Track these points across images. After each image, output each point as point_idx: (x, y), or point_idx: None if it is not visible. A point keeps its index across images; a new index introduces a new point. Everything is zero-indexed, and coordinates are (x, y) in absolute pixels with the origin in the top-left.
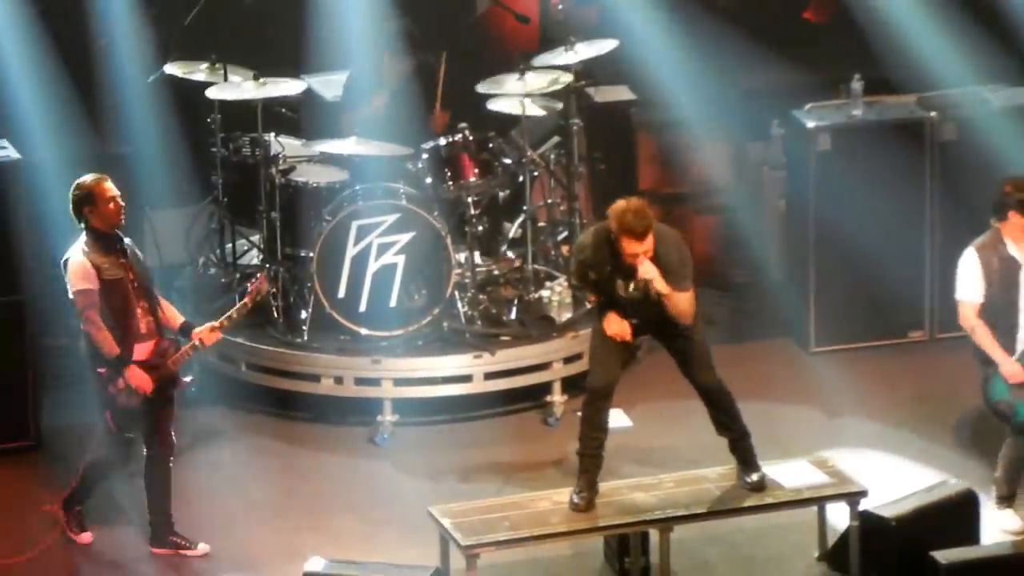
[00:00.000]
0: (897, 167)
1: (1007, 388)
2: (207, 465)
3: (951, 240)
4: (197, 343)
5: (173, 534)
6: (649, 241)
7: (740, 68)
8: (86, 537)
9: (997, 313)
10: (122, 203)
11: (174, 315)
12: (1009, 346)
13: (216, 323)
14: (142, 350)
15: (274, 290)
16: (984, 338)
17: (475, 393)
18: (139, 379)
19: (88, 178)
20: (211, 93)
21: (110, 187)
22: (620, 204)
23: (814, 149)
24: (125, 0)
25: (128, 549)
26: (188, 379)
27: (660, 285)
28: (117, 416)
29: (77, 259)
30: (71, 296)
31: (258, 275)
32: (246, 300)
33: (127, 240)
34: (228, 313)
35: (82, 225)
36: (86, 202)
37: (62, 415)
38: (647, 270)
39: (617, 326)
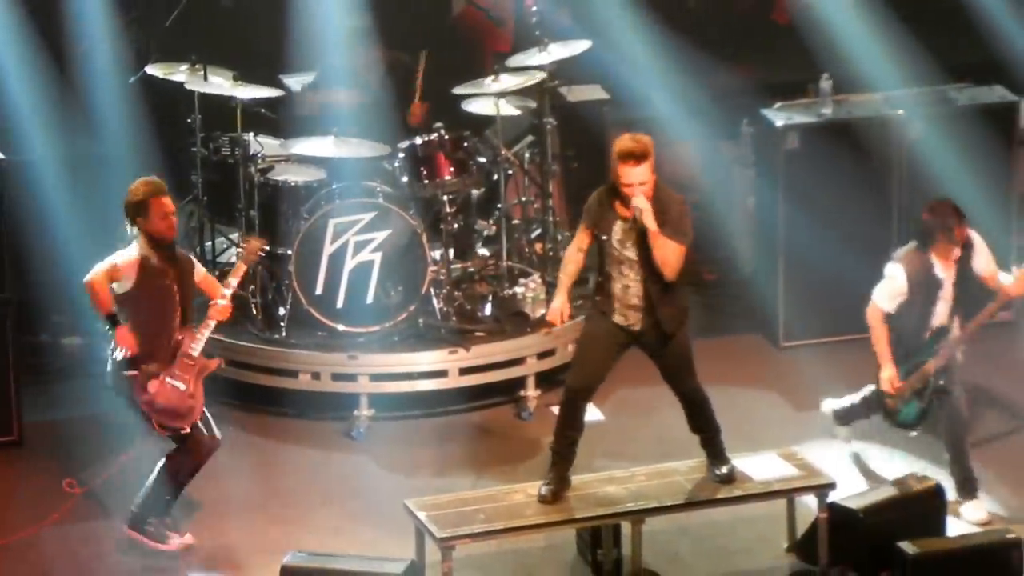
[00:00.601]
0: (865, 165)
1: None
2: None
3: None
4: (212, 322)
5: (157, 525)
6: (646, 171)
7: (710, 68)
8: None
9: (907, 324)
10: (175, 219)
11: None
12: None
13: (222, 295)
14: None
15: (267, 248)
16: (880, 340)
17: (450, 388)
18: (128, 340)
19: (144, 188)
20: (190, 86)
21: (167, 202)
22: (617, 142)
23: (783, 147)
24: (104, 3)
25: (105, 541)
26: (217, 360)
27: (649, 220)
28: (156, 418)
29: (122, 256)
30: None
31: (248, 240)
32: (239, 262)
33: (179, 249)
34: (227, 281)
35: (134, 228)
36: (138, 212)
37: (45, 411)
38: (641, 201)
39: (558, 309)
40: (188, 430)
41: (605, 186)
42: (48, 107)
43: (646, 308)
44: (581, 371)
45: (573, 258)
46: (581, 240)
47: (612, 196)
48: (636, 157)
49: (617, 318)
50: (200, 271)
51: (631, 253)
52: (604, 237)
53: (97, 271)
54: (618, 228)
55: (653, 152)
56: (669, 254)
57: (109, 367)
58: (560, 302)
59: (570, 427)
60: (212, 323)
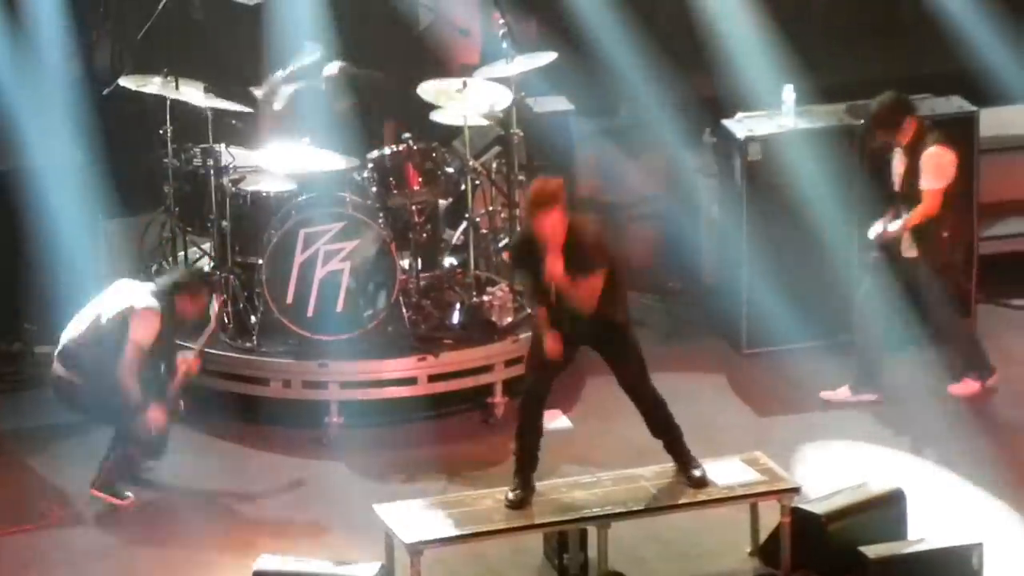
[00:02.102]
0: (826, 174)
1: None
2: (161, 465)
3: None
4: (185, 373)
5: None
6: (557, 217)
7: (674, 79)
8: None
9: None
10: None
11: None
12: None
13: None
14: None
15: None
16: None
17: (419, 395)
18: (160, 418)
19: (202, 278)
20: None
21: (215, 305)
22: (530, 186)
23: (745, 157)
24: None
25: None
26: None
27: (565, 287)
28: (141, 448)
29: (153, 308)
30: (130, 339)
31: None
32: (211, 318)
33: None
34: (205, 337)
35: (169, 294)
36: (186, 291)
37: (15, 420)
38: (553, 268)
39: (551, 344)
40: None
41: (526, 232)
42: (21, 117)
43: (592, 316)
44: (535, 375)
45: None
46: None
47: (535, 244)
48: (541, 204)
49: (566, 328)
50: None
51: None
52: (538, 272)
53: (133, 365)
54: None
55: (562, 196)
56: (585, 299)
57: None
58: (552, 336)
59: (532, 430)
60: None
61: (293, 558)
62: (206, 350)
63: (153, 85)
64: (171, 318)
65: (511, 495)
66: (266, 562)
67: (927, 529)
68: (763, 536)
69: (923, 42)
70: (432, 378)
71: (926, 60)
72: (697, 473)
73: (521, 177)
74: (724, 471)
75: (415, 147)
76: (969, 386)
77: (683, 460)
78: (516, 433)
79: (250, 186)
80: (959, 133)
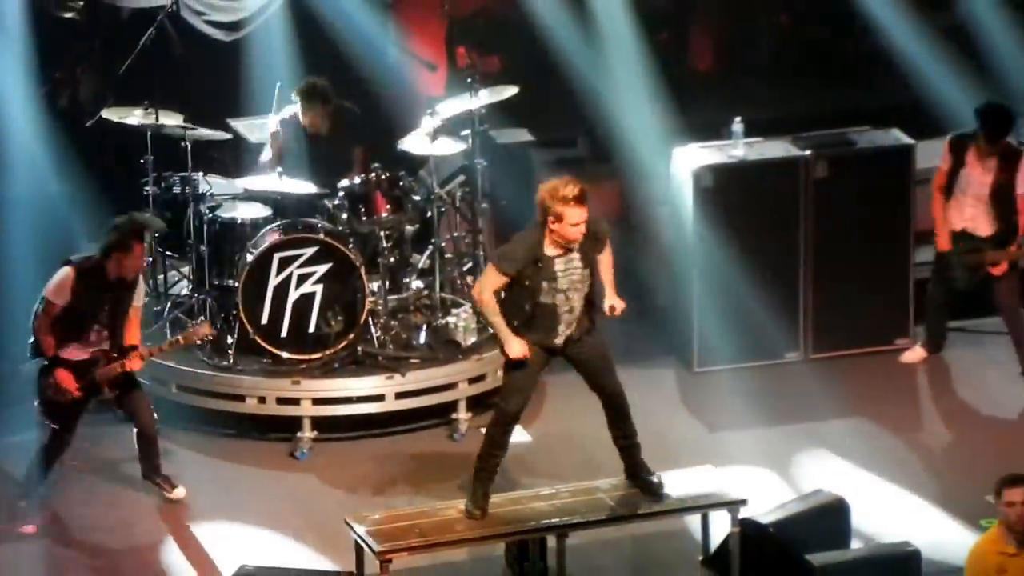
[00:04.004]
0: (774, 202)
1: None
2: (140, 478)
3: (823, 269)
4: (121, 364)
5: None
6: (587, 214)
7: (631, 111)
8: (31, 528)
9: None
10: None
11: (131, 337)
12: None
13: (145, 351)
14: (80, 354)
15: (212, 336)
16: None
17: (387, 411)
18: (66, 380)
19: (133, 228)
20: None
21: (144, 248)
22: (548, 186)
23: (699, 185)
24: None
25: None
26: (113, 394)
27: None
28: (43, 405)
29: (67, 272)
30: (42, 294)
31: (201, 319)
32: (179, 337)
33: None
34: (160, 345)
35: (101, 252)
36: (117, 248)
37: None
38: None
39: (519, 348)
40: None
41: (531, 233)
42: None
43: (579, 317)
44: (515, 397)
45: (493, 299)
46: (498, 286)
47: (544, 242)
48: (584, 200)
49: (559, 339)
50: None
51: (577, 276)
52: (540, 277)
53: (42, 320)
54: (560, 262)
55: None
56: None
57: None
58: (518, 340)
59: (499, 448)
60: (121, 366)
61: (267, 566)
62: (154, 358)
63: (134, 117)
64: (99, 281)
65: (472, 507)
66: (241, 570)
67: (869, 537)
68: (713, 545)
69: (864, 78)
70: (399, 395)
71: (866, 95)
72: (656, 478)
73: (484, 204)
74: (677, 483)
75: (384, 176)
76: None
77: (641, 466)
78: (484, 450)
79: (227, 213)
80: (897, 164)
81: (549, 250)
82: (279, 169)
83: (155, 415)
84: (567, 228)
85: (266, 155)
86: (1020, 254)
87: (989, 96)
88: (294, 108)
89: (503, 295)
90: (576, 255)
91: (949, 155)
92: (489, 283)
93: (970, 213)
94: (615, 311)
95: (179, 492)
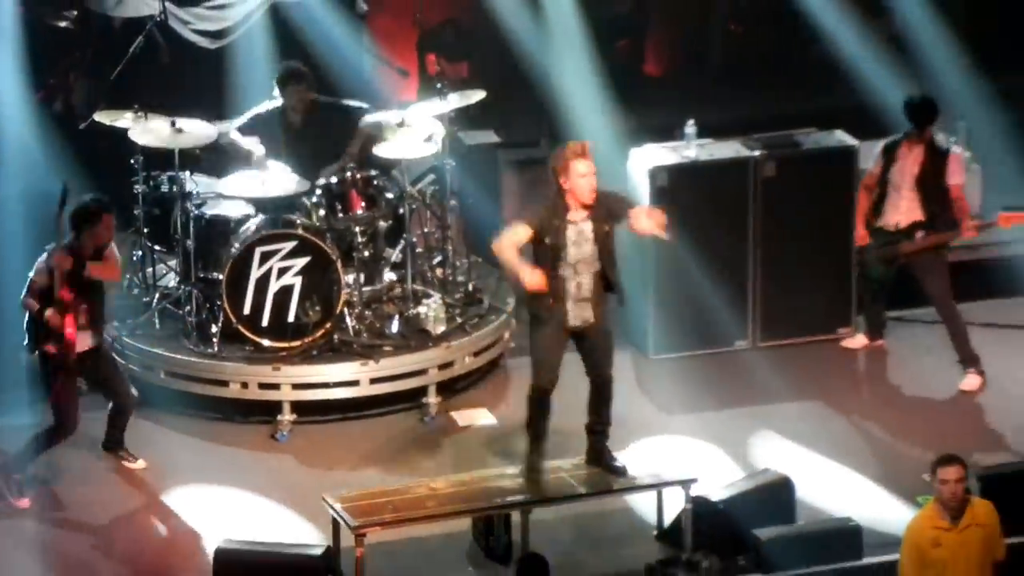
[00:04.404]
0: (725, 199)
1: None
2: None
3: (771, 262)
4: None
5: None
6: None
7: (591, 114)
8: (24, 503)
9: None
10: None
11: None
12: None
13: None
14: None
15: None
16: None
17: (362, 396)
18: (52, 318)
19: (93, 204)
20: (133, 136)
21: (112, 224)
22: (559, 150)
23: (655, 184)
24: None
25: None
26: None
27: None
28: (59, 380)
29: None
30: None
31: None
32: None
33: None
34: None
35: (74, 233)
36: (88, 223)
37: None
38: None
39: (534, 277)
40: None
41: (552, 199)
42: (7, 146)
43: (594, 300)
44: (545, 372)
45: (512, 246)
46: (520, 237)
47: (562, 205)
48: (584, 152)
49: (571, 318)
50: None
51: (587, 250)
52: (558, 243)
53: (28, 298)
54: (572, 232)
55: None
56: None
57: None
58: (533, 270)
59: (541, 417)
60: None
61: (249, 540)
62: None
63: (125, 120)
64: (78, 263)
65: (532, 475)
66: (226, 543)
67: (813, 513)
68: (667, 521)
69: (810, 83)
70: (373, 380)
71: (812, 99)
72: (619, 463)
73: (453, 202)
74: (633, 463)
75: (358, 175)
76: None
77: (605, 449)
78: (530, 421)
79: (212, 210)
80: (841, 164)
81: (567, 213)
82: (262, 168)
83: (134, 391)
84: (577, 181)
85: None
86: (932, 240)
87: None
88: (271, 103)
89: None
90: (589, 226)
91: (881, 158)
92: (510, 233)
93: (905, 206)
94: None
95: (140, 463)
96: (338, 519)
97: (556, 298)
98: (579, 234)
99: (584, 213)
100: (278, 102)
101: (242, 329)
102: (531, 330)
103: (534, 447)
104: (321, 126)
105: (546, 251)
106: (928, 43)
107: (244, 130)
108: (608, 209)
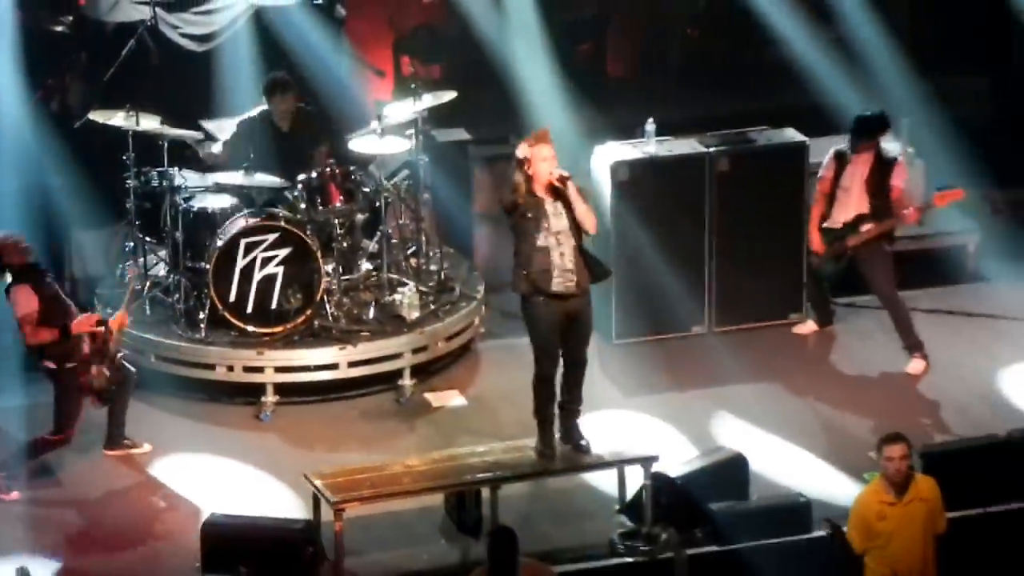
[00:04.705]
0: (682, 193)
1: None
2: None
3: (725, 252)
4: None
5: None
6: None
7: (556, 113)
8: (14, 495)
9: None
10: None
11: None
12: None
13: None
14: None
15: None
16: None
17: (341, 378)
18: (84, 323)
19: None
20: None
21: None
22: (523, 140)
23: (616, 178)
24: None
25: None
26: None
27: (571, 185)
28: (98, 393)
29: (18, 288)
30: (17, 319)
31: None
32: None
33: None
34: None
35: (20, 260)
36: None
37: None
38: (563, 171)
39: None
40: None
41: (521, 183)
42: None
43: (577, 270)
44: (547, 360)
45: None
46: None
47: (531, 185)
48: (543, 137)
49: (556, 286)
50: None
51: (565, 222)
52: (539, 214)
53: (27, 327)
54: (550, 204)
55: None
56: (590, 206)
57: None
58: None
59: (551, 399)
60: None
61: (235, 514)
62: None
63: (117, 119)
64: (39, 275)
65: (544, 449)
66: (213, 517)
67: (766, 488)
68: (629, 496)
69: (763, 83)
70: (351, 364)
71: (765, 98)
72: (585, 441)
73: (426, 196)
74: (597, 442)
75: (337, 170)
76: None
77: (576, 429)
78: (538, 406)
79: (199, 203)
80: (791, 160)
81: (542, 188)
82: (245, 164)
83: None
84: (539, 165)
85: (218, 148)
86: (876, 231)
87: (870, 98)
88: (258, 108)
89: (514, 246)
90: (561, 204)
91: (833, 163)
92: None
93: (854, 205)
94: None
95: (146, 446)
96: (318, 495)
97: (541, 268)
98: (555, 207)
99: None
100: (265, 106)
101: (228, 316)
102: (527, 322)
103: (543, 428)
104: (306, 132)
105: (528, 224)
106: (873, 47)
107: (233, 137)
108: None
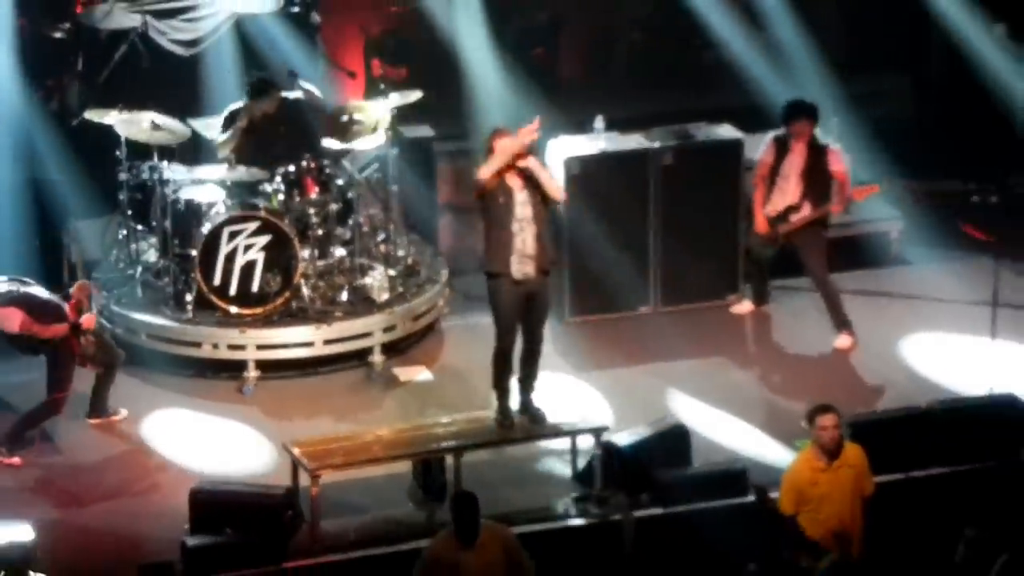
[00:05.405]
0: (629, 185)
1: None
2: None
3: (669, 238)
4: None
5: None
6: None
7: (513, 110)
8: (16, 460)
9: None
10: None
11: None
12: None
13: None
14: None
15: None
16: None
17: (317, 355)
18: (88, 321)
19: None
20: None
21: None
22: (489, 134)
23: (569, 172)
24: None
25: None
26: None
27: (536, 164)
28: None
29: (7, 312)
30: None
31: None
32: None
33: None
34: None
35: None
36: None
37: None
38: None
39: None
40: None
41: (491, 174)
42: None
43: (536, 256)
44: (508, 335)
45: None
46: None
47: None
48: (508, 132)
49: (515, 271)
50: None
51: (530, 211)
52: (510, 201)
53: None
54: (519, 194)
55: None
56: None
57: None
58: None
59: (509, 373)
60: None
61: (220, 480)
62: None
63: (111, 117)
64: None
65: (503, 419)
66: (200, 484)
67: (706, 456)
68: (581, 463)
69: (703, 84)
70: (326, 342)
71: (705, 97)
72: (539, 413)
73: (394, 188)
74: (552, 413)
75: (313, 164)
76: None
77: (532, 398)
78: (496, 378)
79: (186, 195)
80: (729, 154)
81: (510, 176)
82: (230, 158)
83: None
84: (504, 144)
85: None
86: (808, 217)
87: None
88: (242, 102)
89: (484, 228)
90: (527, 193)
91: (772, 149)
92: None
93: (792, 192)
94: None
95: (123, 412)
96: (297, 462)
97: (505, 251)
98: (523, 196)
99: (519, 183)
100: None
101: (213, 298)
102: (491, 299)
103: (502, 400)
104: (287, 120)
105: (499, 208)
106: (802, 50)
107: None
108: (533, 180)
